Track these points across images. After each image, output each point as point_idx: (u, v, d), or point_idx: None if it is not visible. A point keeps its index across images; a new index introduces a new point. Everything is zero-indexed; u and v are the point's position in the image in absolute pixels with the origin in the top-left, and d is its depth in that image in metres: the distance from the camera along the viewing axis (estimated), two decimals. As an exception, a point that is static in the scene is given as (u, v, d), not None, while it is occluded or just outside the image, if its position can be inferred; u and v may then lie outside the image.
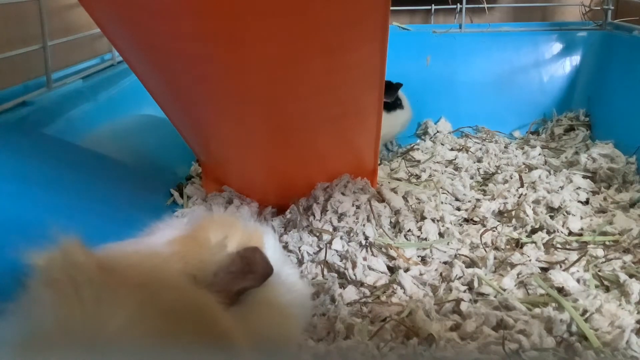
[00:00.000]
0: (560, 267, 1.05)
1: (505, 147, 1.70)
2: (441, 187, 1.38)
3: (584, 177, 1.41)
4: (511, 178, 1.43)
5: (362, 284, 1.04)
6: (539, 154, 1.61)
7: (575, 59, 1.89)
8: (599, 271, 1.03)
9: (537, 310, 0.92)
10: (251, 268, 0.68)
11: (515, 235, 1.18)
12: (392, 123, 1.65)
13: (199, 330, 0.56)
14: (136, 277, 0.57)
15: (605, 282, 1.00)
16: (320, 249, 1.13)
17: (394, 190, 1.32)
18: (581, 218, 1.22)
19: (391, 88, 1.61)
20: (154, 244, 0.69)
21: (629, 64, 1.70)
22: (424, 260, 1.12)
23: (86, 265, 0.54)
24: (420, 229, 1.18)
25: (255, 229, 0.82)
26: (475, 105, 1.88)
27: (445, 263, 1.10)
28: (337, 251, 1.12)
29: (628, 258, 1.06)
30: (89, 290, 0.52)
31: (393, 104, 1.65)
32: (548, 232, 1.17)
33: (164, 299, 0.55)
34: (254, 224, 0.88)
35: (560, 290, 0.98)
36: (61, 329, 0.50)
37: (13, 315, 0.55)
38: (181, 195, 1.35)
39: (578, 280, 1.00)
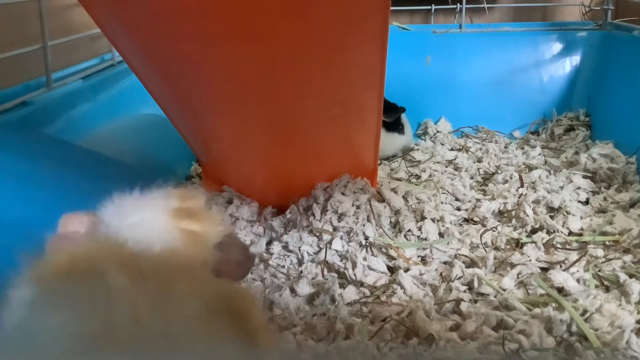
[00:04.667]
0: (560, 267, 1.05)
1: (505, 147, 1.70)
2: (441, 187, 1.38)
3: (584, 177, 1.41)
4: (511, 178, 1.43)
5: (362, 284, 1.04)
6: (539, 154, 1.60)
7: (575, 59, 1.89)
8: (599, 271, 1.03)
9: (537, 310, 0.92)
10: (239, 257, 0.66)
11: (515, 235, 1.18)
12: (387, 143, 1.63)
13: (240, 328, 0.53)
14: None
15: (605, 282, 1.00)
16: (320, 249, 1.13)
17: (394, 190, 1.32)
18: (581, 218, 1.22)
19: (393, 109, 1.62)
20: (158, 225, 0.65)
21: (629, 64, 1.70)
22: (424, 260, 1.12)
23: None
24: (420, 229, 1.18)
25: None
26: (475, 105, 1.88)
27: (445, 263, 1.10)
28: (337, 251, 1.12)
29: (628, 258, 1.06)
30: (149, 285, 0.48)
31: (393, 127, 1.65)
32: (548, 232, 1.17)
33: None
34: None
35: (560, 290, 0.98)
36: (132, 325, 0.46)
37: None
38: (181, 195, 1.35)
39: (578, 280, 1.00)
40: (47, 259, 0.52)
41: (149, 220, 0.62)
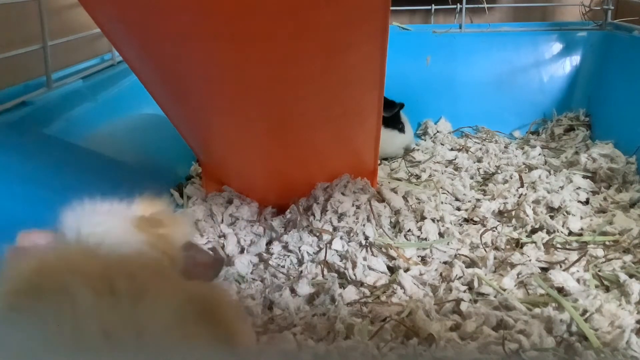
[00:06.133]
0: (560, 267, 1.05)
1: (505, 147, 1.70)
2: (441, 187, 1.38)
3: (584, 177, 1.41)
4: (511, 178, 1.43)
5: (362, 284, 1.04)
6: (539, 154, 1.61)
7: (575, 59, 1.89)
8: (599, 271, 1.03)
9: (537, 310, 0.92)
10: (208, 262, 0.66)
11: (515, 235, 1.18)
12: (387, 140, 1.60)
13: (215, 329, 0.53)
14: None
15: (605, 282, 1.00)
16: (320, 249, 1.13)
17: (394, 190, 1.32)
18: (581, 218, 1.22)
19: (392, 105, 1.61)
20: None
21: (629, 64, 1.70)
22: (424, 260, 1.12)
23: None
24: (420, 229, 1.18)
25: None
26: (475, 105, 1.88)
27: (445, 263, 1.10)
28: (337, 251, 1.12)
29: (628, 258, 1.06)
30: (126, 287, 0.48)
31: (393, 124, 1.65)
32: (548, 232, 1.17)
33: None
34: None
35: (560, 290, 0.98)
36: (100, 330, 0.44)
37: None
38: (181, 195, 1.35)
39: (578, 280, 1.00)
40: (9, 273, 0.50)
41: (113, 227, 0.62)
